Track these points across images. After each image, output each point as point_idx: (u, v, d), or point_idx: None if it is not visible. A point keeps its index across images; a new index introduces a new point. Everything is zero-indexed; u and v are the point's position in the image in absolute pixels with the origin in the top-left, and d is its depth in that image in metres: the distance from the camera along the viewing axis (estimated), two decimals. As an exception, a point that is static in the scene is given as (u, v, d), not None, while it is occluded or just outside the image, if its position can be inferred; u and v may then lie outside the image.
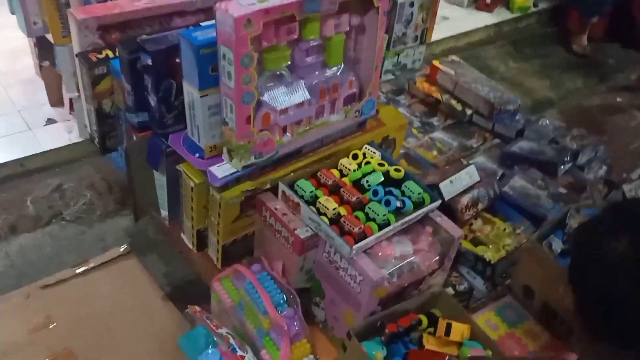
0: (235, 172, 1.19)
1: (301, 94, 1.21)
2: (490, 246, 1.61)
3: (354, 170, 1.28)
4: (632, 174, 1.56)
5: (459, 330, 1.18)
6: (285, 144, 1.22)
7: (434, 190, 1.63)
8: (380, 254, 1.16)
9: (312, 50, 1.19)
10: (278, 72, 1.17)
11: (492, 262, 1.56)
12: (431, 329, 1.23)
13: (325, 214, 1.18)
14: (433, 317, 1.25)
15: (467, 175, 1.73)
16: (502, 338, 1.39)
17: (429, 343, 1.17)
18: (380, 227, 1.17)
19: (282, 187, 1.23)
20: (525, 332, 1.41)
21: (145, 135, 1.28)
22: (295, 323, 1.20)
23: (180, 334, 1.43)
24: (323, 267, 1.23)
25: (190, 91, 1.15)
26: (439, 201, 1.26)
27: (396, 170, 1.28)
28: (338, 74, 1.27)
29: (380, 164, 1.29)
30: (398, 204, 1.21)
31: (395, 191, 1.24)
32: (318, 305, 1.31)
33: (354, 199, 1.20)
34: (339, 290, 1.21)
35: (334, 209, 1.17)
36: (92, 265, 1.64)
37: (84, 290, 1.59)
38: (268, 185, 1.25)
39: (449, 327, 1.17)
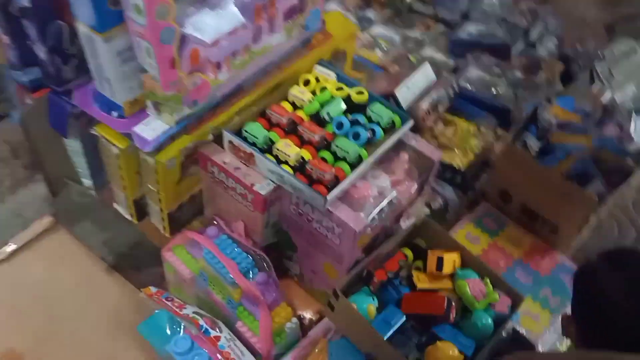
0: (167, 129, 0.96)
1: (233, 17, 0.96)
2: (457, 151, 1.49)
3: (310, 101, 1.07)
4: (605, 51, 1.43)
5: (451, 261, 1.07)
6: (223, 83, 0.99)
7: (388, 99, 1.46)
8: (356, 196, 1.00)
9: (236, -42, 0.93)
10: (199, -6, 0.91)
11: (461, 169, 1.44)
12: (418, 263, 1.11)
13: (286, 162, 0.99)
14: (417, 248, 1.13)
15: (423, 76, 1.56)
16: (486, 251, 1.31)
17: (421, 281, 1.06)
18: (352, 166, 1.00)
19: (227, 136, 1.01)
20: (508, 239, 1.34)
21: (41, 95, 1.01)
22: (270, 288, 1.05)
23: (136, 308, 1.27)
24: (292, 220, 1.06)
25: (88, 35, 0.88)
26: (411, 122, 1.09)
27: (358, 93, 1.08)
28: (272, -17, 1.02)
29: (339, 88, 1.09)
30: (368, 134, 1.03)
31: (362, 119, 1.06)
32: (290, 258, 1.16)
33: (316, 137, 1.01)
34: (315, 243, 1.06)
35: (296, 155, 0.98)
36: (15, 246, 1.39)
37: (14, 277, 1.36)
38: (210, 137, 1.03)
39: (440, 261, 1.06)
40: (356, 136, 1.02)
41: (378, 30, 1.91)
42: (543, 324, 1.18)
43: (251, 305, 1.05)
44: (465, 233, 1.34)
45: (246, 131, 1.02)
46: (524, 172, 1.29)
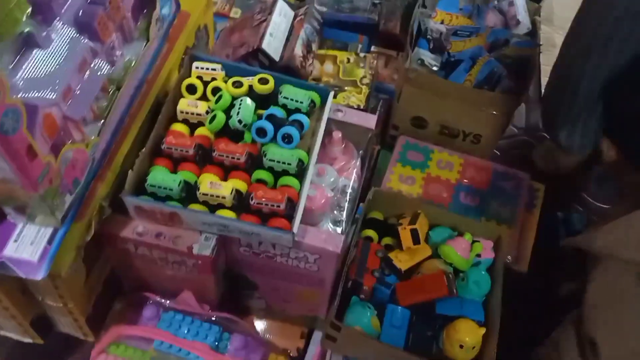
0: (53, 233, 0.67)
1: (74, 46, 0.66)
2: (347, 88, 1.34)
3: (209, 113, 0.83)
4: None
5: (423, 228, 0.97)
6: (99, 140, 0.71)
7: (256, 55, 1.24)
8: (314, 208, 0.82)
9: (51, -38, 0.62)
10: (23, 34, 0.59)
11: (362, 107, 1.30)
12: (387, 240, 0.99)
13: (222, 205, 0.76)
14: (377, 223, 1.01)
15: (282, 16, 1.34)
16: (425, 187, 1.22)
17: (403, 261, 0.94)
18: (299, 176, 0.81)
19: (131, 202, 0.75)
20: (438, 166, 1.25)
21: None
22: (253, 347, 0.86)
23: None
24: (245, 262, 0.86)
25: None
26: (332, 93, 0.91)
27: (261, 81, 0.86)
28: (101, -22, 0.72)
29: (235, 83, 0.85)
30: (297, 130, 0.83)
31: (278, 112, 0.85)
32: (251, 297, 0.96)
33: (241, 158, 0.79)
34: (283, 277, 0.87)
35: (230, 193, 0.76)
36: None
37: None
38: (107, 211, 0.75)
39: (415, 234, 0.94)
40: (288, 139, 0.81)
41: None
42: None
43: (238, 375, 0.86)
44: (397, 177, 1.23)
45: (150, 185, 0.76)
46: (434, 94, 1.19)
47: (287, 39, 1.32)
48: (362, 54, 1.40)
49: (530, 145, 1.52)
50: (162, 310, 0.85)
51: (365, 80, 1.36)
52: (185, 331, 0.83)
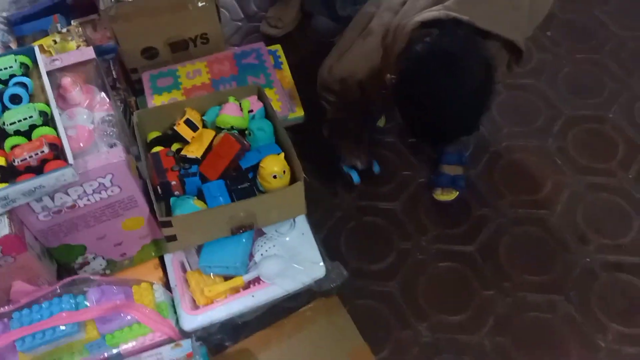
0: None
1: None
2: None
3: None
4: None
5: (195, 117, 1.04)
6: None
7: None
8: (82, 144, 0.85)
9: None
10: None
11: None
12: (176, 145, 1.05)
13: (-10, 183, 0.76)
14: (159, 141, 1.06)
15: None
16: (187, 90, 1.29)
17: (193, 151, 1.00)
18: (51, 126, 0.83)
19: None
20: (188, 78, 1.32)
21: None
22: (110, 291, 0.88)
23: None
24: (54, 229, 0.86)
25: None
26: (36, 47, 0.92)
27: None
28: None
29: None
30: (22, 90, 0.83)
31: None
32: (86, 260, 0.97)
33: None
34: (94, 218, 0.89)
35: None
36: None
37: None
38: None
39: (189, 123, 1.02)
40: (17, 98, 0.82)
41: None
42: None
43: (112, 322, 0.88)
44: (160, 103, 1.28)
45: None
46: (143, 14, 1.24)
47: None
48: (64, 29, 1.39)
49: (256, 29, 1.66)
50: (8, 320, 0.83)
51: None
52: (39, 315, 0.81)
